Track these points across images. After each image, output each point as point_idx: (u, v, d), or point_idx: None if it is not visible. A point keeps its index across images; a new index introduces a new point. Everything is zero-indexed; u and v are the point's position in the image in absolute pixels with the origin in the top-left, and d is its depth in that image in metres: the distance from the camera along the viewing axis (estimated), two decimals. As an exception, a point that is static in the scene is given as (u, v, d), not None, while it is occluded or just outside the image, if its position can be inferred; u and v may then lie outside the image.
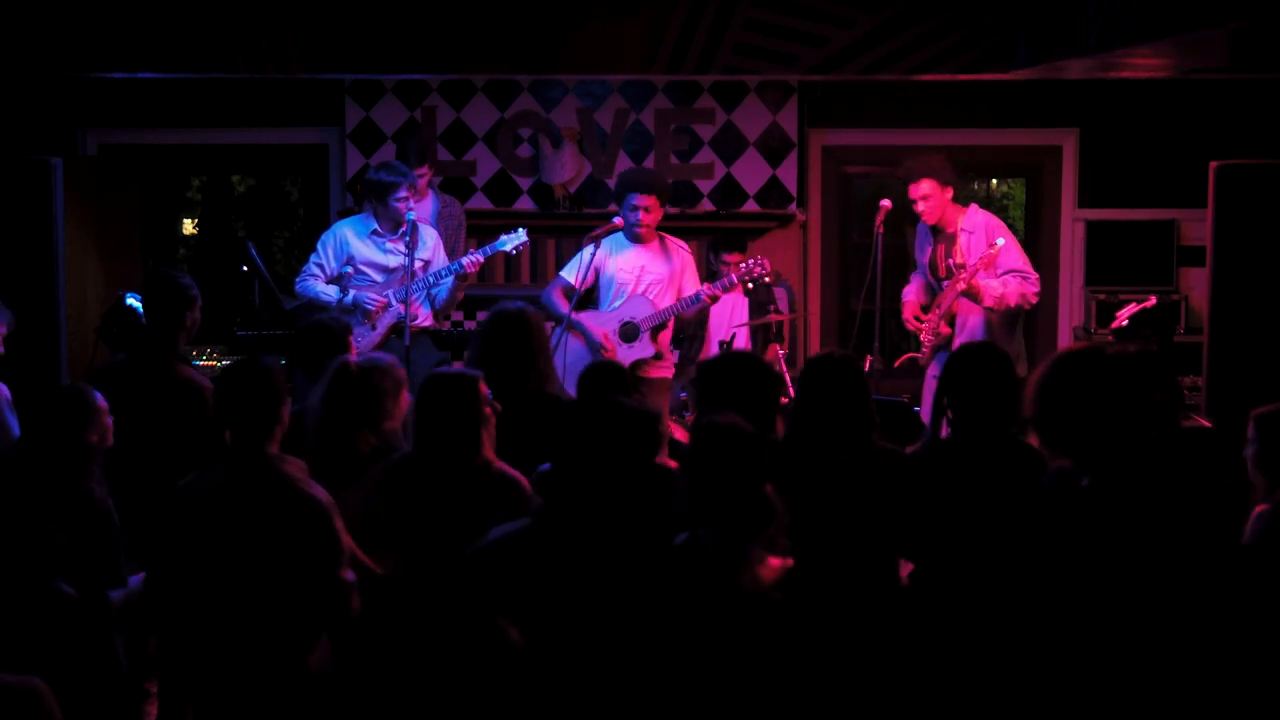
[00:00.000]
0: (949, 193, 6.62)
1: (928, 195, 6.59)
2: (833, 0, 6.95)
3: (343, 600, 3.64)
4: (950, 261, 6.58)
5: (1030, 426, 3.35)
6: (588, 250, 6.63)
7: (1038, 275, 6.62)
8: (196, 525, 3.71)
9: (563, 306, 6.63)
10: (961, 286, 6.39)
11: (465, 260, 6.56)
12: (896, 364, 7.11)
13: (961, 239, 6.56)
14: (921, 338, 6.73)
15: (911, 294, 6.90)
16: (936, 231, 6.71)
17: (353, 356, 4.85)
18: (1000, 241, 6.36)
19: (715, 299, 6.61)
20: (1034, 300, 6.59)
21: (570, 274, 6.70)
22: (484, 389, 3.99)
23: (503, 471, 3.96)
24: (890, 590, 2.90)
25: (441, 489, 3.89)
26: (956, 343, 6.51)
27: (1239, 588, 3.31)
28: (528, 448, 4.17)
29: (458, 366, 4.95)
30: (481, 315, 7.73)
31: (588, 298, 6.85)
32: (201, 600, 3.70)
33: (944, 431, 4.08)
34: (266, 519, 3.65)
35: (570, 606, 3.07)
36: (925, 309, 6.78)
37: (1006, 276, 6.47)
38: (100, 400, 4.01)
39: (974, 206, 6.70)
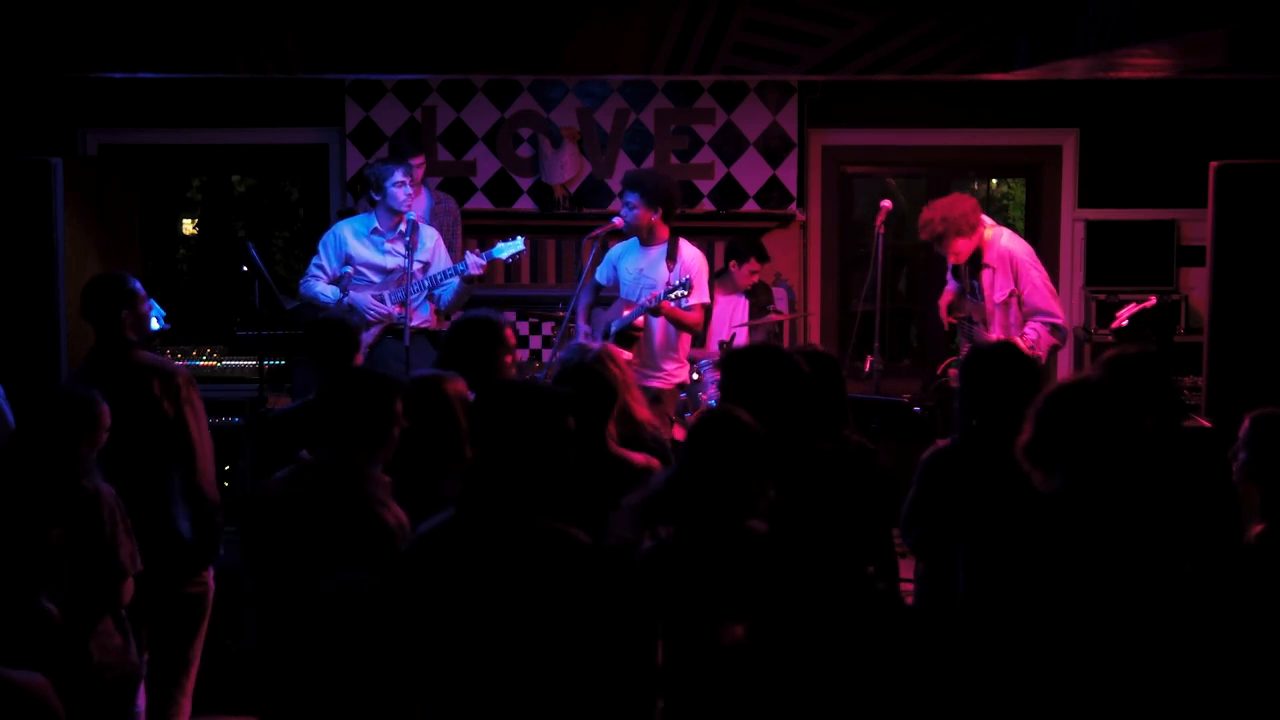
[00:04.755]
0: (976, 234, 6.42)
1: (960, 251, 6.44)
2: (833, 0, 6.94)
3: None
4: (974, 282, 6.53)
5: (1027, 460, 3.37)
6: (588, 251, 6.64)
7: (1064, 315, 6.53)
8: (276, 524, 3.70)
9: (579, 306, 6.68)
10: (999, 337, 6.29)
11: (470, 263, 6.54)
12: (939, 370, 7.03)
13: (985, 275, 6.44)
14: (959, 336, 6.71)
15: (949, 287, 6.84)
16: None
17: (360, 359, 4.85)
18: (1026, 335, 6.26)
19: (656, 311, 6.36)
20: (1062, 346, 6.55)
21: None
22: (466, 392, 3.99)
23: None
24: (864, 586, 2.88)
25: (425, 494, 3.85)
26: None
27: (1236, 590, 3.31)
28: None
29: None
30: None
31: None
32: (278, 602, 3.70)
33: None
34: (344, 533, 3.63)
35: (486, 605, 3.04)
36: (952, 309, 6.75)
37: (1034, 324, 6.36)
38: (104, 408, 4.03)
39: (996, 236, 6.48)
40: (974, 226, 6.42)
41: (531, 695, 3.03)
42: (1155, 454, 3.64)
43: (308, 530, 3.66)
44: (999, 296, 6.39)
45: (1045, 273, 6.53)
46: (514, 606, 3.02)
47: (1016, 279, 6.38)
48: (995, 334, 6.35)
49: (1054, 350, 6.46)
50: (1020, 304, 6.38)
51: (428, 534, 3.17)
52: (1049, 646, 3.18)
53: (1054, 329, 6.35)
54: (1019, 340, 6.17)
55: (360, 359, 4.86)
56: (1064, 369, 7.85)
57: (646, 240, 6.59)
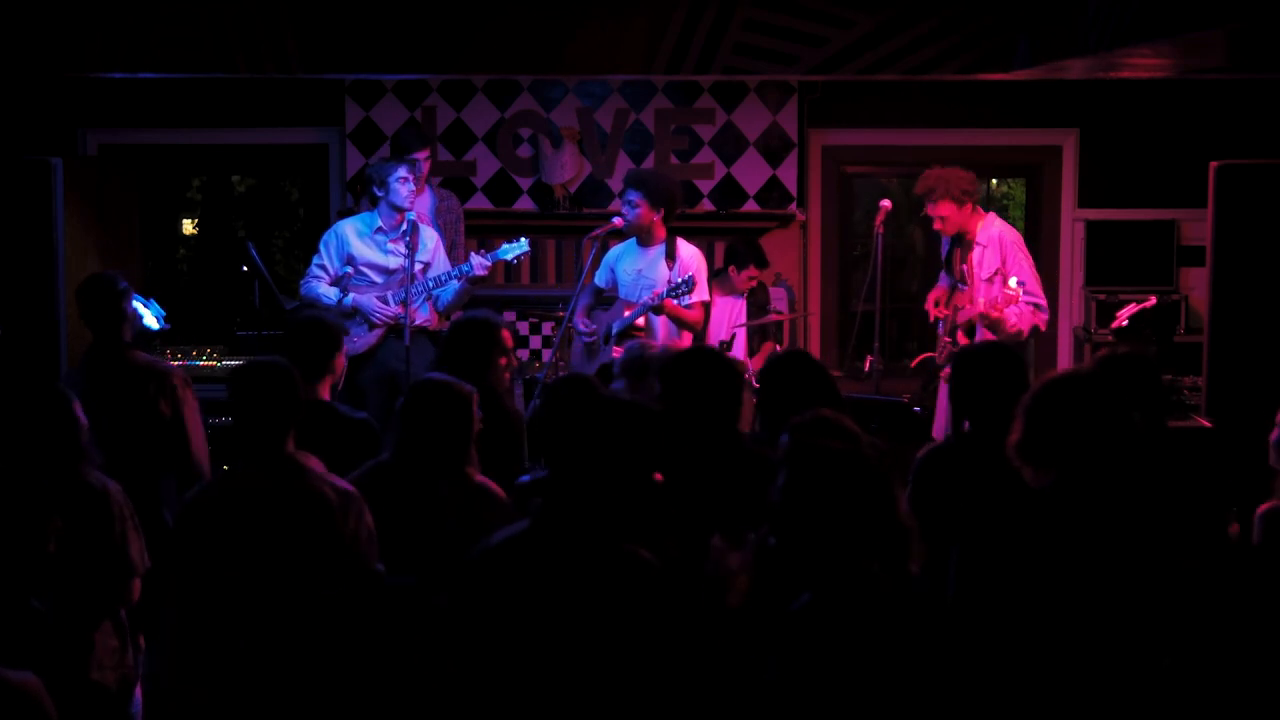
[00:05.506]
0: (968, 207, 6.51)
1: (946, 217, 6.50)
2: (833, 0, 6.94)
3: (374, 592, 3.66)
4: (963, 268, 6.56)
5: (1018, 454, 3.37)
6: (588, 251, 6.64)
7: (1047, 299, 6.56)
8: (221, 528, 3.70)
9: (577, 307, 6.67)
10: (983, 309, 6.33)
11: (475, 264, 6.54)
12: (914, 364, 7.06)
13: (975, 252, 6.50)
14: (940, 330, 6.72)
15: (941, 284, 6.87)
16: (956, 235, 6.68)
17: (343, 357, 4.85)
18: (1014, 283, 6.29)
19: (659, 310, 6.36)
20: (1043, 329, 6.56)
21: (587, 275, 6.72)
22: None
23: (482, 484, 3.93)
24: (866, 589, 2.89)
25: (423, 497, 3.86)
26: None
27: (1234, 587, 3.31)
28: (484, 460, 4.16)
29: None
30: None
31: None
32: (228, 604, 3.70)
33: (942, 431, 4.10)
34: (294, 515, 3.66)
35: (565, 613, 3.02)
36: (946, 302, 6.76)
37: (1020, 303, 6.41)
38: (75, 402, 4.02)
39: (992, 216, 6.60)
40: (967, 196, 6.48)
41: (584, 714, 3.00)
42: (1145, 451, 3.64)
43: (269, 528, 3.66)
44: (985, 274, 6.44)
45: (1032, 259, 6.59)
46: (583, 628, 2.99)
47: (1004, 260, 6.44)
48: (977, 306, 6.37)
49: (1035, 330, 6.48)
50: (1004, 282, 6.44)
51: (500, 545, 3.11)
52: (1041, 644, 3.18)
53: (1036, 308, 6.40)
54: (1007, 291, 6.19)
55: (343, 359, 4.85)
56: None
57: (645, 240, 6.60)
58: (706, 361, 4.10)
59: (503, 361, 4.79)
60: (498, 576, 3.06)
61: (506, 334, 4.85)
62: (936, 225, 6.60)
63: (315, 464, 3.78)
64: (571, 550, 3.01)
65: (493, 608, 3.04)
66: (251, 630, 3.69)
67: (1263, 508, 3.54)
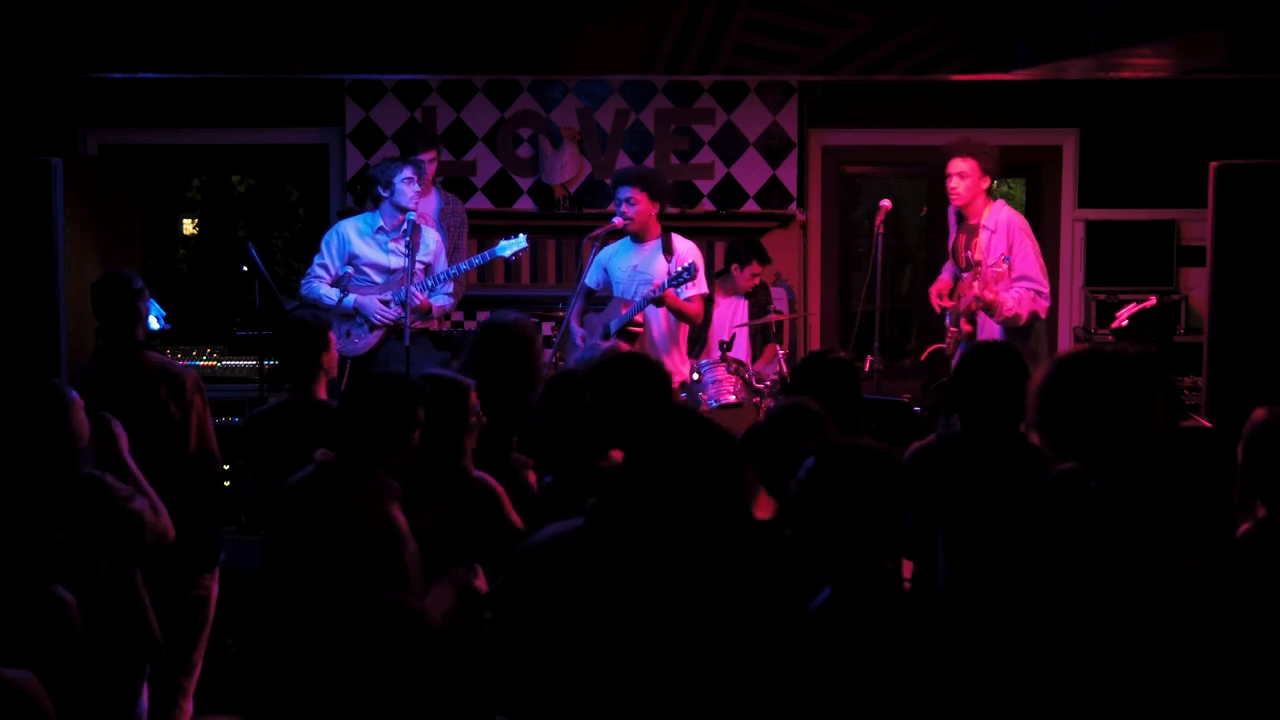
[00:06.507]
0: (986, 182, 6.53)
1: (965, 174, 6.49)
2: (833, 0, 6.95)
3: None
4: (969, 254, 6.56)
5: (1035, 431, 3.35)
6: (588, 251, 6.65)
7: (1049, 288, 6.56)
8: (294, 527, 3.74)
9: (572, 310, 6.67)
10: (977, 291, 6.33)
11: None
12: (923, 356, 7.08)
13: (982, 235, 6.50)
14: (947, 322, 6.72)
15: (944, 275, 6.87)
16: (962, 219, 6.68)
17: (333, 354, 4.83)
18: (1007, 260, 6.30)
19: (660, 301, 6.37)
20: (1043, 316, 6.55)
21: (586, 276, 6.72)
22: (473, 398, 3.98)
23: (481, 479, 3.94)
24: (882, 587, 2.88)
25: (421, 493, 3.86)
26: (978, 339, 6.50)
27: (1237, 590, 3.31)
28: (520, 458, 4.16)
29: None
30: (482, 316, 7.74)
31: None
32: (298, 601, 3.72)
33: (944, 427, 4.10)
34: (357, 536, 3.66)
35: (626, 611, 2.98)
36: (951, 293, 6.76)
37: (1019, 287, 6.40)
38: (75, 395, 4.00)
39: (1001, 203, 6.63)
40: (990, 170, 6.50)
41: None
42: (1163, 445, 3.63)
43: (323, 533, 3.68)
44: (991, 260, 6.43)
45: (1038, 247, 6.59)
46: (646, 628, 2.94)
47: (1010, 246, 6.44)
48: (977, 289, 6.36)
49: (1034, 317, 6.47)
50: (1009, 268, 6.44)
51: (554, 541, 3.06)
52: (1041, 641, 3.18)
53: (1036, 294, 6.41)
54: (997, 268, 6.19)
55: (333, 357, 4.83)
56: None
57: (640, 237, 6.63)
58: (631, 367, 4.04)
59: (539, 362, 4.79)
60: (552, 574, 3.02)
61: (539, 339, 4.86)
62: (951, 183, 6.56)
63: (393, 493, 3.76)
64: (633, 549, 2.98)
65: (548, 606, 3.00)
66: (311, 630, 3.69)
67: (1244, 527, 3.51)
